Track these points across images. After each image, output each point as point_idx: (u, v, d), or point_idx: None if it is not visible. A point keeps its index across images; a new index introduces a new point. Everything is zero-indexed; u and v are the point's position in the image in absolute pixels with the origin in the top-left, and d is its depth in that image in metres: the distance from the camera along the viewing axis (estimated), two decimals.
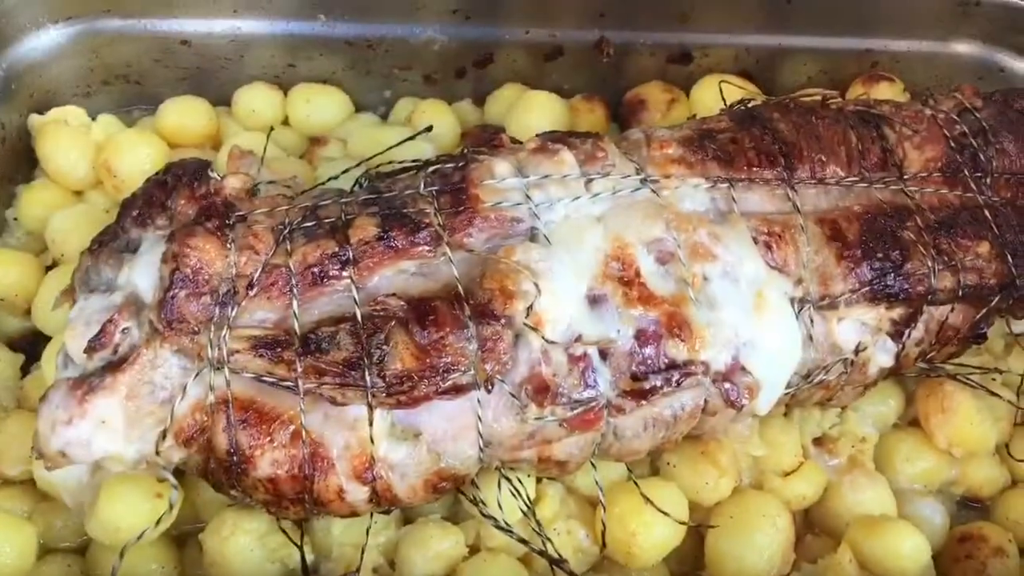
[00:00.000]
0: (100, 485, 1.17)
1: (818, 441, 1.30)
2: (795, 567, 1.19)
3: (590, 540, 1.18)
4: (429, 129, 1.44)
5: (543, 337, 1.04)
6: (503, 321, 1.04)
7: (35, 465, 1.21)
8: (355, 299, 1.05)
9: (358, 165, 1.39)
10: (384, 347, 1.03)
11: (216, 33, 1.58)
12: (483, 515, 1.15)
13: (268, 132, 1.49)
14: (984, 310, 1.22)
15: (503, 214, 1.11)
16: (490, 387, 1.04)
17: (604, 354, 1.07)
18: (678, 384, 1.08)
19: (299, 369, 1.02)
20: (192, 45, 1.59)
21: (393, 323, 1.04)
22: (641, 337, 1.07)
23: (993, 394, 1.34)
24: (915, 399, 1.34)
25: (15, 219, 1.49)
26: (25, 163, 1.55)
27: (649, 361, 1.07)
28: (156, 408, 1.04)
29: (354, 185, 1.27)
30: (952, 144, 1.26)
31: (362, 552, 1.13)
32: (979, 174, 1.25)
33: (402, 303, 1.06)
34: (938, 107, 1.30)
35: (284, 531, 1.15)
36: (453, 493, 1.18)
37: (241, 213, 1.10)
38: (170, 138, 1.54)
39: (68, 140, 1.49)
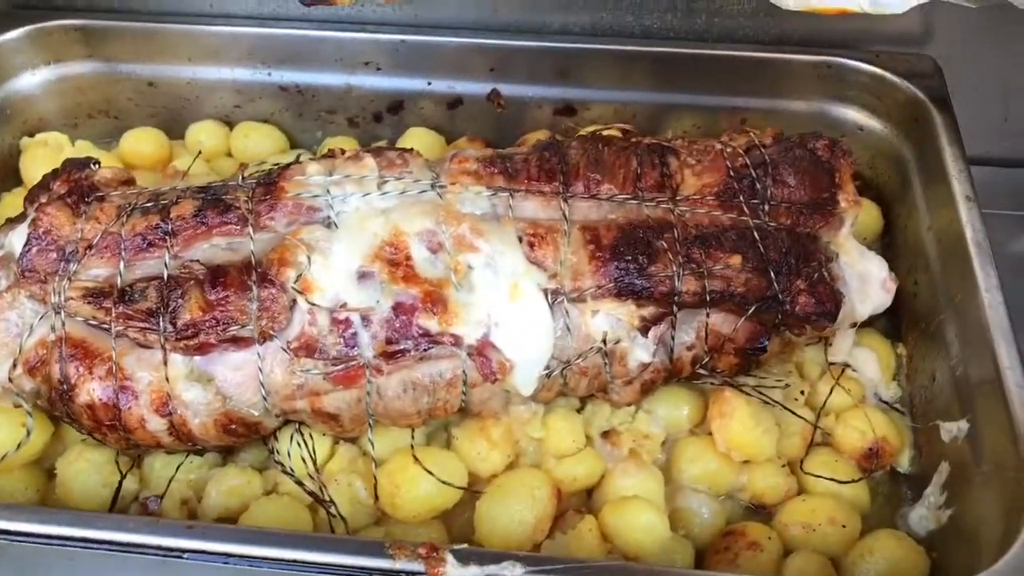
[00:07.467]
0: None
1: (606, 434, 1.43)
2: (551, 535, 1.32)
3: (366, 493, 1.35)
4: None
5: (308, 301, 1.25)
6: (277, 285, 1.26)
7: None
8: (165, 263, 1.30)
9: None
10: (179, 300, 1.26)
11: (177, 77, 1.90)
12: (275, 461, 1.35)
13: (195, 155, 1.79)
14: (757, 321, 1.36)
15: (301, 202, 1.33)
16: (262, 340, 1.26)
17: (366, 320, 1.27)
18: (425, 350, 1.26)
19: (113, 315, 1.27)
20: (157, 87, 1.91)
21: (192, 282, 1.28)
22: (398, 308, 1.27)
23: (788, 409, 1.45)
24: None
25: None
26: (13, 177, 1.89)
27: (403, 329, 1.26)
28: (10, 340, 1.31)
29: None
30: (732, 173, 1.41)
31: (168, 482, 1.35)
32: (756, 201, 1.40)
33: (203, 267, 1.29)
34: (729, 143, 1.46)
35: (117, 462, 1.38)
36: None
37: (100, 194, 1.37)
38: (128, 161, 1.85)
39: (44, 157, 1.82)
